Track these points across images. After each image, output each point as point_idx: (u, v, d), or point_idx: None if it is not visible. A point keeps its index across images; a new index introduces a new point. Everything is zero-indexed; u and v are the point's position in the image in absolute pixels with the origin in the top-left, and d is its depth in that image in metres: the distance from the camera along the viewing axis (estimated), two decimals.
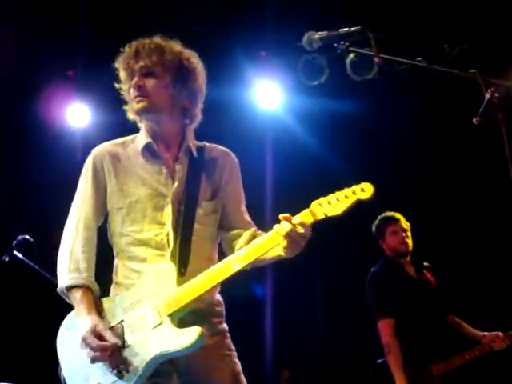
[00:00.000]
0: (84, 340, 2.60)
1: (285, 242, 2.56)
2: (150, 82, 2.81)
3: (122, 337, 2.64)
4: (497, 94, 2.06)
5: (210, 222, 2.90)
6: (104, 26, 6.02)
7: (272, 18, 5.88)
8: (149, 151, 2.89)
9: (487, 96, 2.07)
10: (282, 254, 2.62)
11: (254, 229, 2.93)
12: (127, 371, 2.59)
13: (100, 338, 2.60)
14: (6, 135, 6.46)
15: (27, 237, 4.82)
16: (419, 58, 2.28)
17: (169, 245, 2.77)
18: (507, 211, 6.00)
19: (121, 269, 2.87)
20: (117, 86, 2.94)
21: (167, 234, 2.78)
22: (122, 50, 2.91)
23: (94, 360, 2.61)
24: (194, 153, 2.92)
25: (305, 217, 2.57)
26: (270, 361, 6.96)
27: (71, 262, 2.78)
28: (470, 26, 5.85)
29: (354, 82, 6.15)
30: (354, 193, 2.60)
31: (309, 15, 5.52)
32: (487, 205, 6.43)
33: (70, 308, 2.79)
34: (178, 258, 2.74)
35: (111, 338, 2.60)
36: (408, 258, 5.24)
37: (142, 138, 2.92)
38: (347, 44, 2.50)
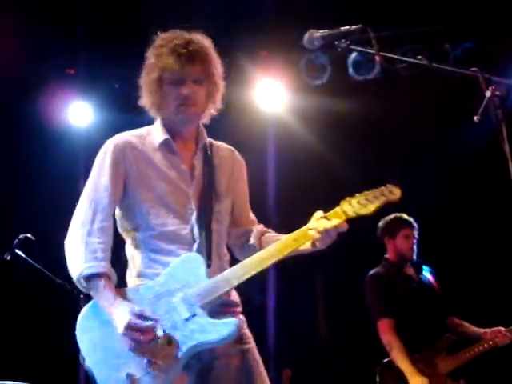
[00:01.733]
0: (128, 326, 2.53)
1: (318, 238, 2.65)
2: (199, 91, 2.82)
3: None
4: (497, 92, 2.06)
5: (224, 219, 2.91)
6: (106, 24, 6.03)
7: (273, 16, 5.88)
8: (166, 147, 2.87)
9: (488, 94, 2.07)
10: (302, 248, 2.72)
11: (261, 226, 3.00)
12: (162, 362, 2.56)
13: (143, 318, 2.56)
14: (8, 134, 6.47)
15: (29, 235, 4.82)
16: (420, 57, 2.28)
17: (194, 240, 2.77)
18: (507, 211, 5.99)
19: (141, 259, 2.81)
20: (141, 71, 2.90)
21: (191, 230, 2.79)
22: (163, 43, 2.83)
23: (135, 348, 2.55)
24: (209, 150, 2.94)
25: (336, 215, 2.68)
26: (272, 360, 6.96)
27: (87, 251, 2.68)
28: (474, 24, 5.85)
29: (357, 81, 6.15)
30: (382, 194, 2.70)
31: (310, 13, 5.52)
32: (488, 205, 6.41)
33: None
34: (205, 252, 2.75)
35: (154, 316, 2.59)
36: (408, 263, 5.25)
37: (158, 134, 2.89)
38: (348, 42, 2.50)
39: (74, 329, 2.74)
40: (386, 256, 5.28)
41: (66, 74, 6.64)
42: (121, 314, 2.57)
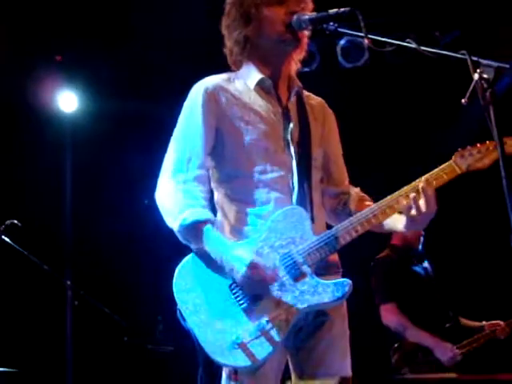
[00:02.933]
0: (253, 264, 2.36)
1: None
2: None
3: None
4: (485, 75, 2.05)
5: (319, 168, 2.74)
6: (92, 12, 5.98)
7: None
8: (262, 87, 2.69)
9: (475, 77, 2.06)
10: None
11: (358, 189, 2.84)
12: (272, 324, 2.40)
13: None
14: None
15: (15, 221, 4.81)
16: (408, 40, 2.26)
17: (293, 188, 2.59)
18: (499, 202, 5.97)
19: (235, 213, 2.61)
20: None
21: (291, 177, 2.60)
22: None
23: (260, 288, 2.39)
24: (303, 95, 2.79)
25: (450, 168, 2.56)
26: None
27: (187, 198, 2.50)
28: (463, 11, 5.84)
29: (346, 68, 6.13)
30: (496, 146, 2.49)
31: None
32: (479, 196, 6.41)
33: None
34: (306, 203, 2.58)
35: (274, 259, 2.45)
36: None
37: (253, 73, 2.70)
38: (336, 25, 2.48)
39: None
40: (392, 242, 5.24)
41: (53, 60, 6.58)
42: (242, 253, 2.40)
